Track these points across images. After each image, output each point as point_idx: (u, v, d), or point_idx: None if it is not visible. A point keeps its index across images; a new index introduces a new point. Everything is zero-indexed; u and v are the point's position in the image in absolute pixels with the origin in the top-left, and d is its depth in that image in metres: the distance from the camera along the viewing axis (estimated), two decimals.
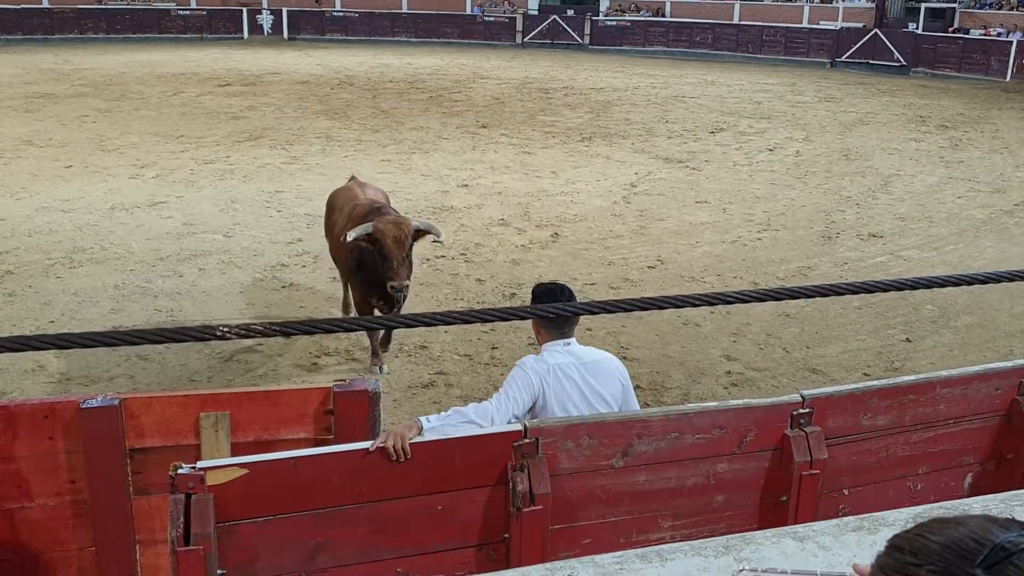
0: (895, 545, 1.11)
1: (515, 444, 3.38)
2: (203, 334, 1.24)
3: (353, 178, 8.35)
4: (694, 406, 3.78)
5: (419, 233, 6.63)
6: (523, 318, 1.54)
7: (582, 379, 3.90)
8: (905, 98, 22.08)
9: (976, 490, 4.27)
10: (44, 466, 3.65)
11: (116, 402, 3.71)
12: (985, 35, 26.75)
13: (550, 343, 3.97)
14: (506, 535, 3.46)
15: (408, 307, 8.36)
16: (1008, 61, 25.32)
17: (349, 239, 6.41)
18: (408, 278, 6.48)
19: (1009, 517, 1.08)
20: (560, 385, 3.85)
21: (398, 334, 7.66)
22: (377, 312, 7.05)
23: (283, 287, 9.04)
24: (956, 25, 27.77)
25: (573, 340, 4.02)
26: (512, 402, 3.73)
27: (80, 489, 3.69)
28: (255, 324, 1.26)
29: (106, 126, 16.40)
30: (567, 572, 1.56)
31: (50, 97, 19.16)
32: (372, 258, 6.54)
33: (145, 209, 11.37)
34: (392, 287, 6.37)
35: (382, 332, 7.47)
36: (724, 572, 1.64)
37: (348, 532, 3.29)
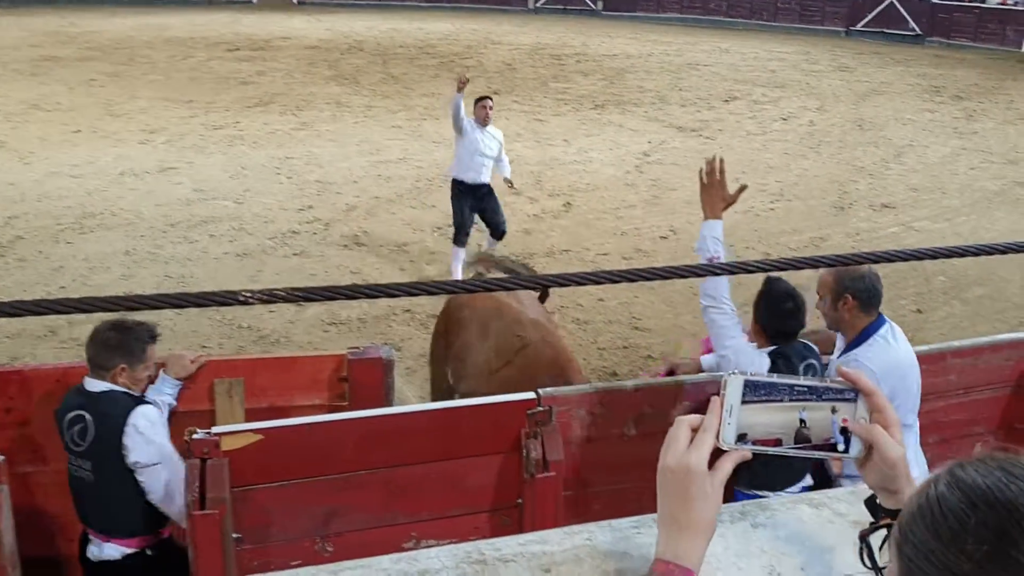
0: (960, 480, 0.96)
1: (529, 412, 3.40)
2: (226, 299, 1.24)
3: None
4: (705, 375, 3.80)
5: None
6: (546, 286, 1.54)
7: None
8: (920, 68, 21.87)
9: None
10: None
11: None
12: (1002, 4, 26.39)
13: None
14: (519, 500, 3.49)
15: (420, 277, 8.37)
16: None
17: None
18: None
19: None
20: None
21: (412, 303, 7.65)
22: None
23: (294, 254, 9.04)
24: None
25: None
26: None
27: None
28: (277, 289, 1.26)
29: (114, 91, 16.34)
30: (585, 536, 1.57)
31: (57, 61, 19.07)
32: None
33: (155, 175, 11.36)
34: None
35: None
36: (740, 537, 1.66)
37: (362, 497, 3.32)
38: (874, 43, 26.41)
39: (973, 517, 0.93)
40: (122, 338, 3.40)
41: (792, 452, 1.28)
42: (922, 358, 3.89)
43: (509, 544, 1.52)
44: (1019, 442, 4.09)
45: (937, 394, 4.01)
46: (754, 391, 1.25)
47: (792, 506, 1.80)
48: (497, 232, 8.59)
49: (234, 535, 3.17)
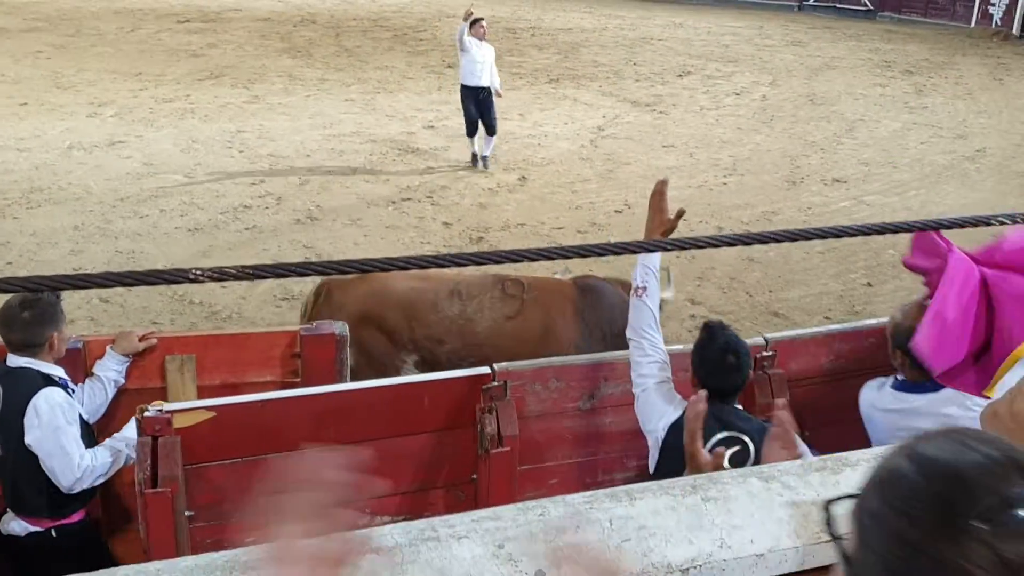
0: (918, 452, 1.00)
1: (484, 387, 3.40)
2: (176, 277, 1.22)
3: None
4: (680, 347, 3.82)
5: None
6: (497, 262, 1.54)
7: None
8: (871, 43, 22.07)
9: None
10: None
11: (80, 345, 3.67)
12: None
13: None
14: (474, 476, 3.50)
15: (374, 252, 8.32)
16: (973, 7, 25.32)
17: None
18: None
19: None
20: None
21: None
22: None
23: (246, 229, 8.94)
24: None
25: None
26: None
27: None
28: (228, 267, 1.24)
29: (61, 63, 15.95)
30: (538, 512, 1.58)
31: (1, 32, 18.58)
32: None
33: (104, 148, 11.15)
34: None
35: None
36: (692, 511, 1.67)
37: None
38: (826, 18, 26.61)
39: (924, 487, 0.97)
40: (43, 310, 3.38)
41: None
42: (872, 331, 3.96)
43: (463, 520, 1.53)
44: None
45: (888, 367, 4.07)
46: None
47: (742, 480, 1.82)
48: (489, 129, 11.15)
49: (187, 513, 3.15)
